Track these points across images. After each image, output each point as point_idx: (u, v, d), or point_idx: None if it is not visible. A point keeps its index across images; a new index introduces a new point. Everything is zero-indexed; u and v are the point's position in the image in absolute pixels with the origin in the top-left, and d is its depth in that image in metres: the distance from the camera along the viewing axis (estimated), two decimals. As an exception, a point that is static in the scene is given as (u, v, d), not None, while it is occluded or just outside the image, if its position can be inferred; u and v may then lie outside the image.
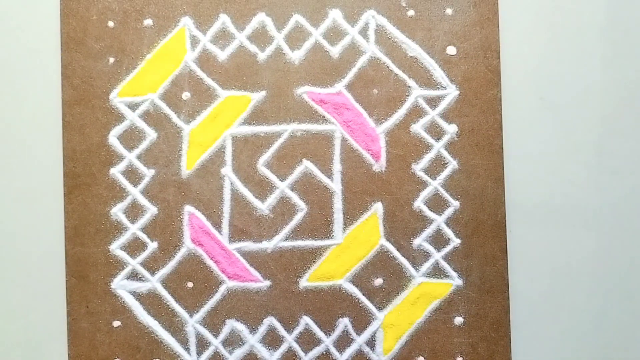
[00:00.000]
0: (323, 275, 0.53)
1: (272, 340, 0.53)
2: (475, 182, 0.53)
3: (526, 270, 0.54)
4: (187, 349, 0.53)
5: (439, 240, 0.53)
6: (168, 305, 0.53)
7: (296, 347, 0.53)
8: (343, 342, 0.53)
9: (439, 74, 0.53)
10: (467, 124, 0.53)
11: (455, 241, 0.53)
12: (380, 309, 0.53)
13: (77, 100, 0.53)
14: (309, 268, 0.53)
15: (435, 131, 0.53)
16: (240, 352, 0.53)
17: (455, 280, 0.53)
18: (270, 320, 0.53)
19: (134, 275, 0.53)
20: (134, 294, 0.53)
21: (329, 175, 0.53)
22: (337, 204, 0.53)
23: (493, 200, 0.53)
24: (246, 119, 0.53)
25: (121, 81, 0.53)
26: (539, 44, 0.55)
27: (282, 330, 0.53)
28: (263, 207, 0.53)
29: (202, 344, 0.53)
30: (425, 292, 0.53)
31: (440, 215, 0.53)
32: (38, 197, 0.53)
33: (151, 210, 0.53)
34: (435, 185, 0.53)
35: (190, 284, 0.53)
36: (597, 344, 0.54)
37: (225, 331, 0.53)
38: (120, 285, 0.53)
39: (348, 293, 0.53)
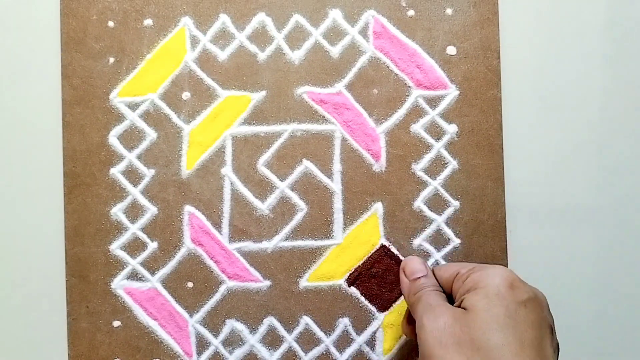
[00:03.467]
0: (323, 275, 0.53)
1: (272, 340, 0.53)
2: (475, 182, 0.53)
3: (526, 270, 0.54)
4: (187, 349, 0.53)
5: (439, 240, 0.53)
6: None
7: (296, 347, 0.53)
8: (343, 342, 0.53)
9: (439, 74, 0.53)
10: (467, 124, 0.53)
11: (455, 241, 0.53)
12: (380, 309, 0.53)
13: (77, 100, 0.53)
14: (309, 268, 0.53)
15: (435, 131, 0.53)
16: (240, 352, 0.53)
17: (455, 280, 0.53)
18: (270, 320, 0.53)
19: (134, 275, 0.53)
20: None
21: (329, 175, 0.53)
22: (337, 204, 0.53)
23: (493, 200, 0.53)
24: (246, 119, 0.53)
25: (121, 81, 0.53)
26: (539, 44, 0.54)
27: (282, 330, 0.53)
28: (263, 207, 0.53)
29: (202, 344, 0.53)
30: (425, 292, 0.53)
31: (440, 215, 0.53)
32: (38, 197, 0.53)
33: (151, 210, 0.53)
34: (435, 185, 0.53)
35: (190, 284, 0.53)
36: (597, 344, 0.54)
37: (225, 331, 0.53)
38: (120, 285, 0.53)
39: (348, 293, 0.53)
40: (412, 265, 0.48)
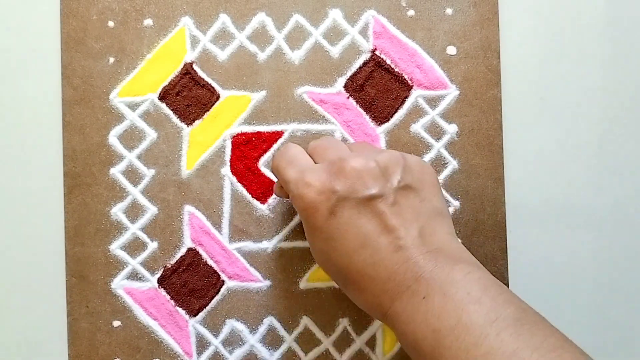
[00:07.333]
0: (323, 275, 0.53)
1: (272, 340, 0.53)
2: (475, 182, 0.53)
3: (526, 270, 0.54)
4: (187, 349, 0.53)
5: (439, 240, 0.53)
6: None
7: (296, 347, 0.53)
8: (343, 342, 0.53)
9: (439, 74, 0.53)
10: (467, 124, 0.53)
11: (455, 241, 0.53)
12: (380, 309, 0.53)
13: (77, 100, 0.53)
14: (309, 268, 0.53)
15: (435, 131, 0.53)
16: (240, 352, 0.53)
17: (455, 280, 0.53)
18: (270, 320, 0.53)
19: (134, 275, 0.53)
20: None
21: (329, 175, 0.53)
22: (337, 204, 0.53)
23: (493, 200, 0.53)
24: (246, 119, 0.53)
25: (121, 81, 0.53)
26: (539, 44, 0.54)
27: (282, 330, 0.53)
28: (263, 207, 0.53)
29: (202, 344, 0.53)
30: (425, 292, 0.53)
31: (440, 215, 0.53)
32: (38, 197, 0.53)
33: (151, 210, 0.53)
34: (435, 185, 0.53)
35: (189, 284, 0.53)
36: (598, 344, 0.54)
37: (225, 331, 0.53)
38: (120, 285, 0.53)
39: (348, 293, 0.53)
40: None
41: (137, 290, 0.53)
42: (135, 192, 0.53)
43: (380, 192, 0.41)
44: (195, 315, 0.53)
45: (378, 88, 0.53)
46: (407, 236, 0.41)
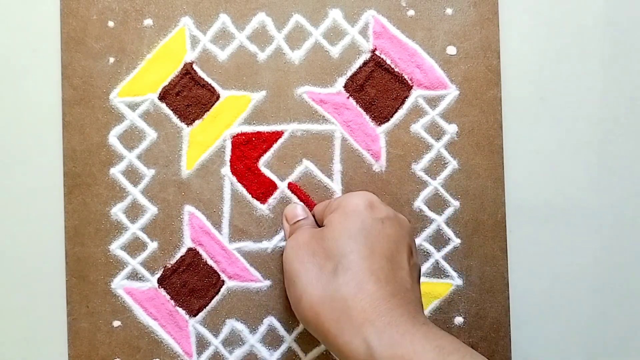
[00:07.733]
0: (323, 275, 0.53)
1: (272, 340, 0.53)
2: (475, 182, 0.53)
3: (526, 270, 0.54)
4: (187, 349, 0.53)
5: (439, 240, 0.53)
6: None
7: (296, 347, 0.53)
8: (343, 342, 0.53)
9: (439, 74, 0.53)
10: (467, 124, 0.53)
11: (455, 241, 0.53)
12: (380, 309, 0.53)
13: (77, 100, 0.53)
14: (309, 268, 0.53)
15: (435, 131, 0.53)
16: (240, 352, 0.53)
17: (455, 280, 0.53)
18: (270, 320, 0.53)
19: (134, 275, 0.53)
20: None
21: (329, 175, 0.53)
22: (337, 204, 0.53)
23: (493, 200, 0.53)
24: (246, 119, 0.53)
25: (121, 81, 0.53)
26: (539, 44, 0.55)
27: (282, 330, 0.53)
28: (263, 207, 0.53)
29: (202, 344, 0.53)
30: (425, 292, 0.53)
31: (440, 215, 0.53)
32: (38, 197, 0.53)
33: (151, 210, 0.53)
34: (435, 185, 0.53)
35: (189, 284, 0.53)
36: (598, 344, 0.54)
37: (225, 331, 0.53)
38: (120, 285, 0.53)
39: (348, 293, 0.53)
40: (292, 211, 0.50)
41: (137, 290, 0.53)
42: (135, 192, 0.53)
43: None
44: (195, 315, 0.53)
45: (378, 88, 0.53)
46: None
